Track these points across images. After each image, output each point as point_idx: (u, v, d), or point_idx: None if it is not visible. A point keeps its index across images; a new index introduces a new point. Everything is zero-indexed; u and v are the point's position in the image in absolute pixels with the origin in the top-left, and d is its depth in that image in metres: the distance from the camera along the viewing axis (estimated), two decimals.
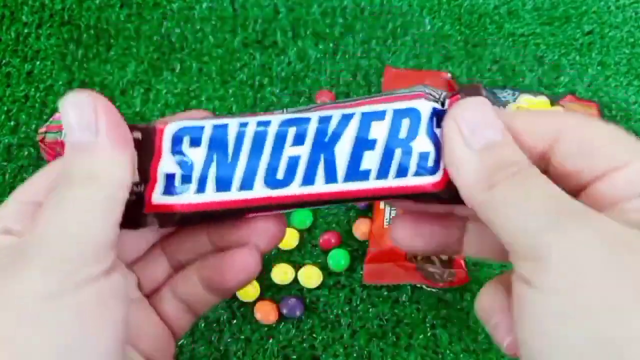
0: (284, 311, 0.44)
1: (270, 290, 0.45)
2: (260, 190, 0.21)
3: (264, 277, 0.46)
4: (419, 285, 0.45)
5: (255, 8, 0.58)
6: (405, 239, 0.23)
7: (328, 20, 0.58)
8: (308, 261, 0.46)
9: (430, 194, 0.21)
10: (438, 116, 0.21)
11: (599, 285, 0.16)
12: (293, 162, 0.21)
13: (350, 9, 0.58)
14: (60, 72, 0.55)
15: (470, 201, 0.19)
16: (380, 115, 0.21)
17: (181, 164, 0.21)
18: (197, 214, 0.21)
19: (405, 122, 0.21)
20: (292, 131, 0.21)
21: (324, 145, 0.21)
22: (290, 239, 0.46)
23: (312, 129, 0.21)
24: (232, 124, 0.21)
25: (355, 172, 0.21)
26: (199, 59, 0.56)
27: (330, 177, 0.21)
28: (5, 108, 0.53)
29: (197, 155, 0.21)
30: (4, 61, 0.55)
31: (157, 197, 0.21)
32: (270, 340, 0.44)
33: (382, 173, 0.21)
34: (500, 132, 0.19)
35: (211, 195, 0.21)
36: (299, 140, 0.21)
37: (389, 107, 0.21)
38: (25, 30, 0.57)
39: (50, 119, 0.48)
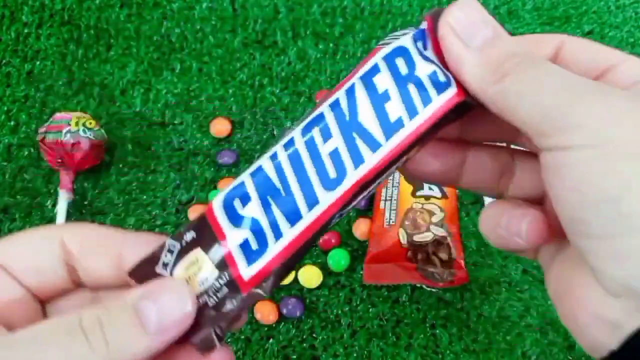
0: (284, 311, 0.44)
1: None
2: (325, 198, 0.21)
3: None
4: (419, 285, 0.45)
5: (255, 8, 0.58)
6: (422, 158, 0.23)
7: (328, 20, 0.58)
8: (308, 261, 0.46)
9: (460, 105, 0.21)
10: (421, 39, 0.21)
11: (634, 133, 0.16)
12: (335, 155, 0.21)
13: (350, 9, 0.58)
14: (60, 72, 0.55)
15: (483, 96, 0.19)
16: (375, 70, 0.21)
17: (247, 226, 0.21)
18: (290, 258, 0.21)
19: (399, 61, 0.21)
20: (316, 132, 0.21)
21: (349, 124, 0.21)
22: None
23: (330, 119, 0.21)
24: (265, 163, 0.21)
25: (390, 126, 0.21)
26: (199, 59, 0.56)
27: (373, 144, 0.21)
28: (5, 108, 0.53)
29: (255, 209, 0.21)
30: (4, 61, 0.55)
31: (246, 271, 0.20)
32: (270, 340, 0.44)
33: (412, 111, 0.21)
34: (495, 26, 0.20)
35: (291, 233, 0.21)
36: (326, 134, 0.21)
37: (377, 58, 0.21)
38: (25, 30, 0.57)
39: (51, 119, 0.48)
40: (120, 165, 0.51)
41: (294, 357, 0.43)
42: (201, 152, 0.51)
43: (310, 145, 0.21)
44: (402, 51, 0.21)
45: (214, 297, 0.20)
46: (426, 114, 0.21)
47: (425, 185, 0.47)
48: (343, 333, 0.44)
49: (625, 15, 0.58)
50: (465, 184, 0.24)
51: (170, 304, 0.19)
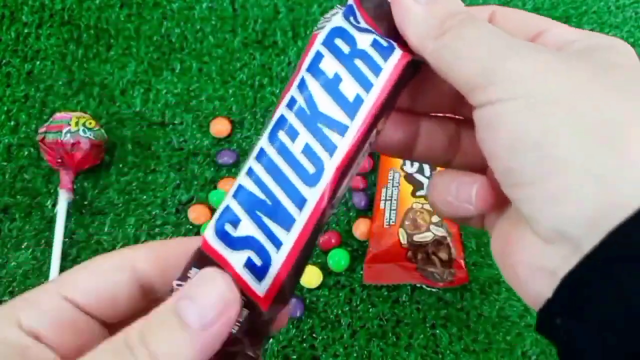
0: None
1: None
2: (312, 195, 0.21)
3: None
4: (419, 285, 0.45)
5: (255, 8, 0.58)
6: (386, 130, 0.24)
7: None
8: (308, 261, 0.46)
9: (410, 65, 0.22)
10: (351, 14, 0.22)
11: (562, 77, 0.17)
12: (308, 151, 0.21)
13: None
14: (60, 72, 0.55)
15: (424, 51, 0.20)
16: (319, 57, 0.21)
17: (246, 246, 0.21)
18: (297, 261, 0.21)
19: (339, 41, 0.21)
20: (282, 135, 0.21)
21: (311, 117, 0.21)
22: None
23: (292, 118, 0.21)
24: (244, 181, 0.21)
25: (351, 106, 0.21)
26: (199, 59, 0.56)
27: (340, 128, 0.21)
28: (5, 108, 0.53)
29: (248, 227, 0.21)
30: (4, 61, 0.55)
31: (259, 287, 0.20)
32: (270, 340, 0.44)
33: (366, 84, 0.21)
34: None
35: (289, 238, 0.21)
36: (293, 134, 0.21)
37: (317, 45, 0.22)
38: (25, 30, 0.57)
39: (51, 119, 0.49)
40: (120, 165, 0.51)
41: (294, 357, 0.43)
42: (201, 152, 0.51)
43: (281, 149, 0.21)
44: (338, 31, 0.22)
45: (238, 323, 0.20)
46: (380, 82, 0.21)
47: (425, 185, 0.47)
48: (343, 333, 0.44)
49: (625, 15, 0.58)
50: (418, 155, 0.25)
51: (207, 293, 0.18)
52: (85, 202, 0.49)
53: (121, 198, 0.49)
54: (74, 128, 0.47)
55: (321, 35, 0.22)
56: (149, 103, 0.53)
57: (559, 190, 0.17)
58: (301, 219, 0.21)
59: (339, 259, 0.45)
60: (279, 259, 0.21)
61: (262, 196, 0.21)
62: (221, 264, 0.20)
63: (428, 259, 0.44)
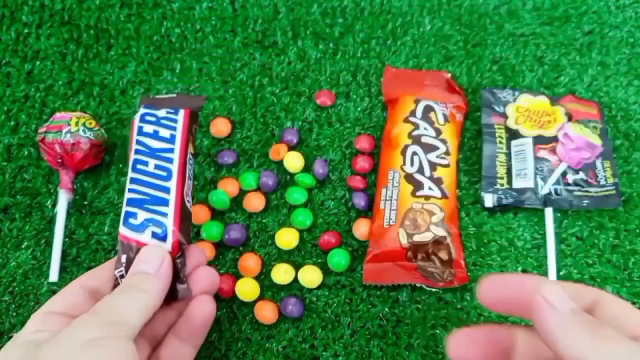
0: (284, 311, 0.44)
1: (270, 290, 0.45)
2: (172, 183, 0.37)
3: (264, 277, 0.46)
4: (419, 285, 0.45)
5: (255, 8, 0.58)
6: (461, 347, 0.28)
7: (328, 20, 0.58)
8: (308, 261, 0.46)
9: (192, 113, 0.42)
10: (148, 107, 0.42)
11: None
12: (158, 166, 0.38)
13: (350, 9, 0.58)
14: (60, 72, 0.55)
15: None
16: (140, 127, 0.40)
17: (147, 226, 0.35)
18: (181, 221, 0.36)
19: (147, 117, 0.41)
20: (140, 165, 0.38)
21: (149, 152, 0.38)
22: (291, 239, 0.46)
23: (139, 156, 0.39)
24: (129, 194, 0.37)
25: (169, 139, 0.39)
26: (199, 59, 0.56)
27: (171, 150, 0.39)
28: (5, 108, 0.53)
29: (142, 215, 0.36)
30: (4, 61, 0.55)
31: (168, 244, 0.36)
32: (270, 340, 0.44)
33: (173, 128, 0.40)
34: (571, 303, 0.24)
35: (171, 209, 0.36)
36: (145, 163, 0.38)
37: (137, 123, 0.41)
38: (25, 30, 0.57)
39: (51, 119, 0.48)
40: (120, 165, 0.51)
41: (294, 357, 0.43)
42: (201, 152, 0.51)
43: (142, 170, 0.37)
44: (145, 113, 0.40)
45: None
46: (180, 122, 0.40)
47: (425, 185, 0.47)
48: (343, 333, 0.44)
49: (625, 15, 0.58)
50: None
51: (152, 255, 0.34)
52: (85, 202, 0.49)
53: (121, 198, 0.49)
54: (74, 128, 0.47)
55: (137, 117, 0.39)
56: None
57: None
58: (172, 197, 0.36)
59: (339, 259, 0.45)
60: (169, 224, 0.35)
61: (143, 196, 0.36)
62: (137, 244, 0.35)
63: (428, 259, 0.44)
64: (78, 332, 0.28)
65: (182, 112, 0.40)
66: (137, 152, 0.37)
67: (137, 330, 0.30)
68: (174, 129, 0.38)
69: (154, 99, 0.42)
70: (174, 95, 0.45)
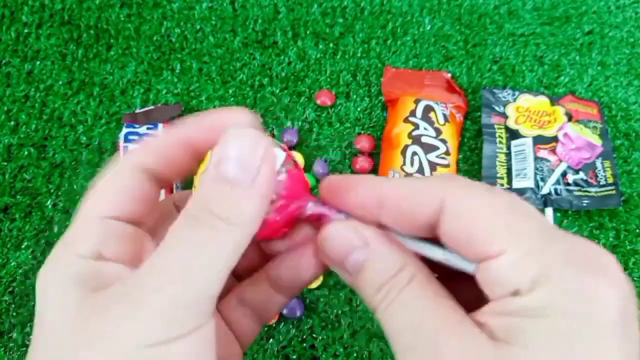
0: (284, 311, 0.44)
1: None
2: None
3: None
4: None
5: (255, 8, 0.58)
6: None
7: (328, 20, 0.58)
8: None
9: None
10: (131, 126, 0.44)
11: None
12: None
13: (350, 9, 0.58)
14: (60, 72, 0.55)
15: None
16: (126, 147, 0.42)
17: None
18: None
19: (131, 136, 0.45)
20: None
21: None
22: None
23: None
24: None
25: None
26: (199, 59, 0.56)
27: None
28: (5, 108, 0.53)
29: None
30: (4, 61, 0.55)
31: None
32: (270, 340, 0.44)
33: None
34: (363, 249, 0.19)
35: None
36: None
37: (122, 139, 0.43)
38: (25, 30, 0.57)
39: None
40: None
41: (294, 357, 0.43)
42: None
43: None
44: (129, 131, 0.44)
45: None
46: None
47: None
48: (343, 333, 0.44)
49: (625, 15, 0.58)
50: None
51: (241, 148, 0.18)
52: None
53: None
54: None
55: (121, 138, 0.42)
56: (149, 103, 0.53)
57: None
58: None
59: None
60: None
61: None
62: None
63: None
64: (131, 329, 0.16)
65: (161, 126, 0.44)
66: None
67: (214, 304, 0.18)
68: None
69: (133, 114, 0.45)
70: (152, 107, 0.47)
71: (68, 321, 0.17)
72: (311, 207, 0.21)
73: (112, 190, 0.20)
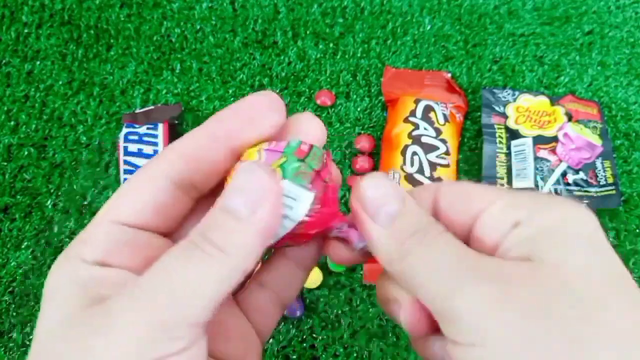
0: (284, 311, 0.44)
1: None
2: None
3: None
4: None
5: (255, 8, 0.58)
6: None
7: (328, 20, 0.58)
8: None
9: (171, 126, 0.42)
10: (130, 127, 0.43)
11: (504, 336, 0.17)
12: None
13: (350, 9, 0.58)
14: (60, 72, 0.55)
15: (391, 271, 0.20)
16: (125, 148, 0.44)
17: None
18: None
19: (130, 136, 0.44)
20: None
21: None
22: None
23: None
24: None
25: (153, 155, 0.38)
26: (199, 59, 0.56)
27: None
28: (5, 108, 0.53)
29: None
30: (4, 61, 0.55)
31: None
32: (270, 340, 0.44)
33: (155, 144, 0.44)
34: (399, 202, 0.20)
35: None
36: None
37: (122, 142, 0.44)
38: (25, 30, 0.57)
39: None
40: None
41: (294, 357, 0.43)
42: None
43: None
44: (128, 133, 0.46)
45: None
46: (160, 138, 0.47)
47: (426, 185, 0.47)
48: (343, 333, 0.44)
49: (625, 15, 0.58)
50: None
51: (247, 182, 0.18)
52: (85, 202, 0.49)
53: None
54: None
55: (121, 137, 0.43)
56: (149, 103, 0.53)
57: None
58: None
59: None
60: None
61: None
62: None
63: None
64: (106, 353, 0.16)
65: (160, 126, 0.45)
66: (125, 172, 0.43)
67: (204, 326, 0.18)
68: (156, 144, 0.43)
69: (133, 114, 0.46)
70: (152, 107, 0.48)
71: (58, 334, 0.17)
72: (335, 233, 0.22)
73: (131, 197, 0.20)
